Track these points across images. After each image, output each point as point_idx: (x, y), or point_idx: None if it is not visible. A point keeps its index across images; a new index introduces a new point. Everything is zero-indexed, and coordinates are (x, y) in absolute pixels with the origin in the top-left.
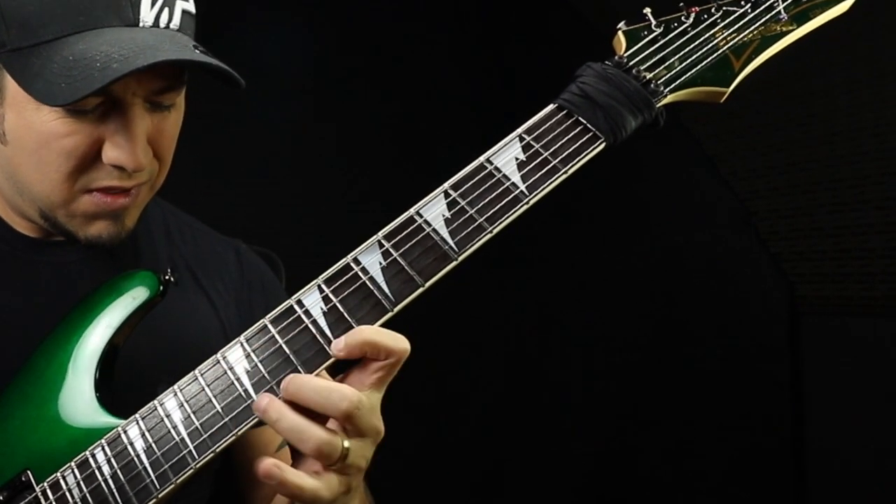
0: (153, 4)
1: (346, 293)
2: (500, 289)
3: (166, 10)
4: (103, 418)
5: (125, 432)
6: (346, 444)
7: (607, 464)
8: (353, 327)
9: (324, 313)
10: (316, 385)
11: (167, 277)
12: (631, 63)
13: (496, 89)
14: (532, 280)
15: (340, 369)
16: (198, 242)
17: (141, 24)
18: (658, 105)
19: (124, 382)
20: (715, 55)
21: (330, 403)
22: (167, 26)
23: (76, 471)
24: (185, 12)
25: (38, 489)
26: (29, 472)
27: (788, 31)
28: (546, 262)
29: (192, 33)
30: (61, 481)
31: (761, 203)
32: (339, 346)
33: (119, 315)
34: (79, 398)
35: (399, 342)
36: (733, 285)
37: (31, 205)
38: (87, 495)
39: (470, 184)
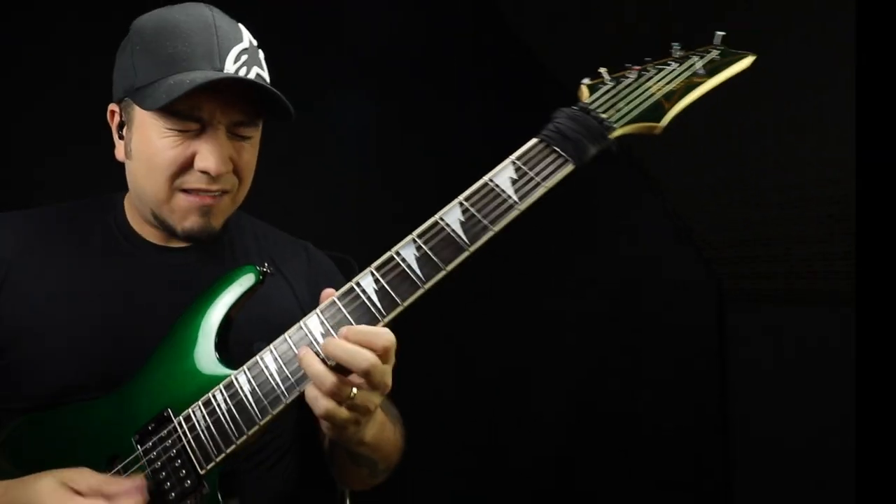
0: (236, 61)
1: (390, 276)
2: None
3: (244, 67)
4: (221, 370)
5: (236, 379)
6: (354, 391)
7: (561, 446)
8: (395, 300)
9: (375, 291)
10: (346, 347)
11: (265, 269)
12: (591, 107)
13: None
14: (490, 288)
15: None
16: (277, 243)
17: (224, 72)
18: (610, 137)
19: (232, 341)
20: (651, 100)
21: (354, 361)
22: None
23: (202, 408)
24: (258, 76)
25: (175, 421)
26: (169, 409)
27: (704, 82)
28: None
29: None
30: (192, 415)
31: (698, 218)
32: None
33: (232, 297)
34: (204, 356)
35: (382, 339)
36: (669, 285)
37: (146, 208)
38: (210, 424)
39: (477, 196)
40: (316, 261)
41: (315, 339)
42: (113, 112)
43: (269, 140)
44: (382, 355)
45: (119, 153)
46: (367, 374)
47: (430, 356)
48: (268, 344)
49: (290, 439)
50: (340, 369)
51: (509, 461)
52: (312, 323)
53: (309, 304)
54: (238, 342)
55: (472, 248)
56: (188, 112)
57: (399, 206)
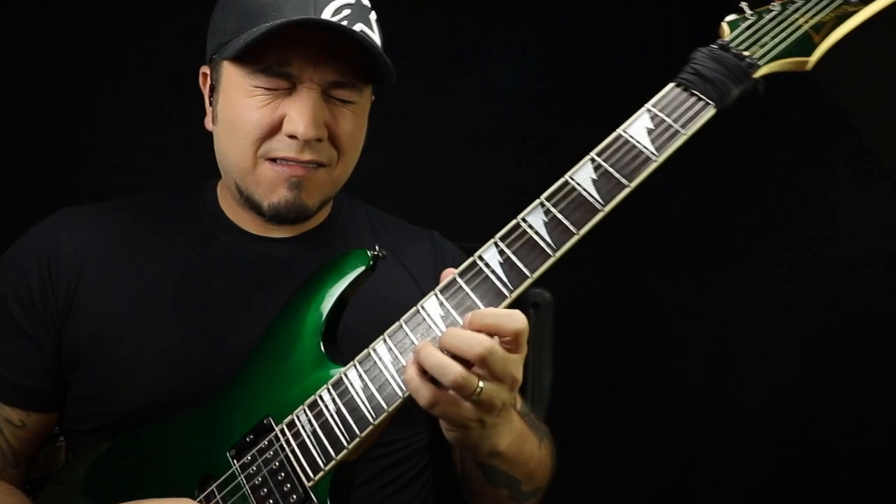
0: (334, 14)
1: (517, 246)
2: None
3: (345, 22)
4: (329, 368)
5: (346, 375)
6: (482, 384)
7: (784, 456)
8: (523, 272)
9: (500, 264)
10: (459, 333)
11: (377, 253)
12: (732, 45)
13: None
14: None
15: None
16: (399, 233)
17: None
18: (754, 75)
19: (345, 343)
20: (798, 33)
21: (468, 347)
22: None
23: (307, 411)
24: (362, 32)
25: (276, 429)
26: (270, 417)
27: (858, 11)
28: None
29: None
30: (296, 420)
31: None
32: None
33: (339, 286)
34: (309, 354)
35: (512, 322)
36: None
37: (230, 180)
38: (317, 428)
39: (610, 150)
40: (443, 250)
41: (434, 323)
42: (205, 75)
43: (404, 111)
44: (511, 341)
45: (208, 121)
46: (483, 362)
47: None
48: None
49: (423, 462)
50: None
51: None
52: (430, 305)
53: None
54: (354, 343)
55: (608, 209)
56: (276, 67)
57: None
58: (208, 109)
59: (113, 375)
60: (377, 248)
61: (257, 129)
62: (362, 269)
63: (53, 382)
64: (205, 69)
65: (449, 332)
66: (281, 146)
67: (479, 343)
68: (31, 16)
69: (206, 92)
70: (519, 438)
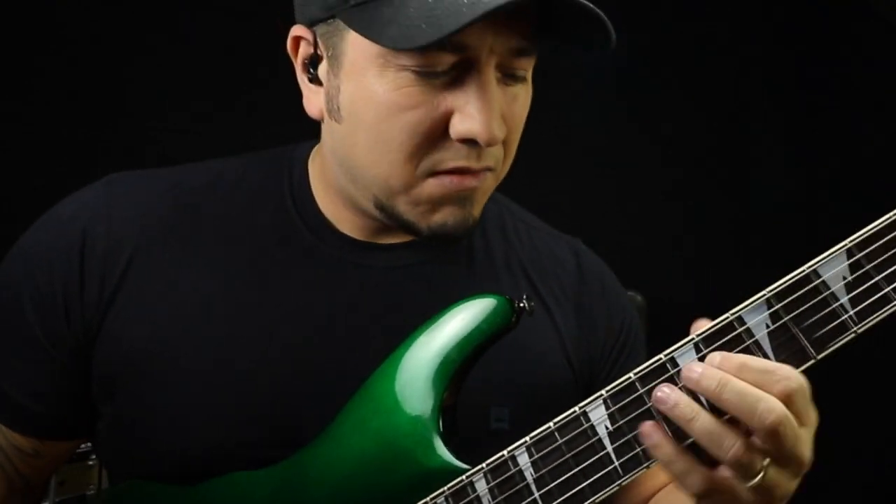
0: None
1: (718, 343)
2: None
3: None
4: (444, 457)
5: (472, 485)
6: (765, 461)
7: None
8: None
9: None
10: (738, 387)
11: (522, 305)
12: None
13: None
14: None
15: None
16: (534, 241)
17: None
18: None
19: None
20: None
21: (758, 412)
22: None
23: None
24: None
25: None
26: None
27: None
28: None
29: None
30: None
31: None
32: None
33: (468, 343)
34: (419, 431)
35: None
36: None
37: (366, 193)
38: None
39: (875, 246)
40: (589, 269)
41: (597, 440)
42: (298, 40)
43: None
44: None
45: (312, 106)
46: (773, 435)
47: None
48: (509, 408)
49: None
50: None
51: None
52: (596, 413)
53: (577, 343)
54: (467, 400)
55: (861, 330)
56: (448, 37)
57: (659, 183)
58: (309, 88)
59: (156, 412)
60: (525, 298)
61: (415, 136)
62: (498, 327)
63: (76, 407)
64: (300, 32)
65: (722, 377)
66: (449, 155)
67: (772, 408)
68: None
69: (298, 64)
70: None
